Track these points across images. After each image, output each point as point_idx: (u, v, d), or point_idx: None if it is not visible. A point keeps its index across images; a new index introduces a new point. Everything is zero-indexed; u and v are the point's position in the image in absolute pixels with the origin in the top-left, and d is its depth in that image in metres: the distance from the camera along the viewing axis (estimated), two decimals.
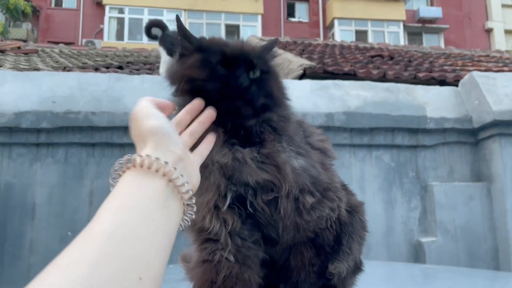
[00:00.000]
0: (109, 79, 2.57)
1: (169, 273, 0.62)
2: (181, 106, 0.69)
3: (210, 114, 0.68)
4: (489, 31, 20.36)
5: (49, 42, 12.98)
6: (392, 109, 2.69)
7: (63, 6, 18.86)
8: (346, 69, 4.33)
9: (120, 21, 17.69)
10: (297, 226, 0.72)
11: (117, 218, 0.47)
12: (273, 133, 0.71)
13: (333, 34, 18.61)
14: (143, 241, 0.47)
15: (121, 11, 17.68)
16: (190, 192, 0.57)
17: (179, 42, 0.75)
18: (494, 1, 20.46)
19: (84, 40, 15.98)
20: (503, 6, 20.48)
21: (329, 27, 19.39)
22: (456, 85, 3.00)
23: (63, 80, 2.51)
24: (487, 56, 7.15)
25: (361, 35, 18.34)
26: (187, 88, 0.70)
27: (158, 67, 4.79)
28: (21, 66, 4.32)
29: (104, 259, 0.42)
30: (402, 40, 18.73)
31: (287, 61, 4.48)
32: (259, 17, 18.46)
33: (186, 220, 0.58)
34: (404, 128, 2.70)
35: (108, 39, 16.91)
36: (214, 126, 0.69)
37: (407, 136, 2.72)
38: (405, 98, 2.78)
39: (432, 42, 18.49)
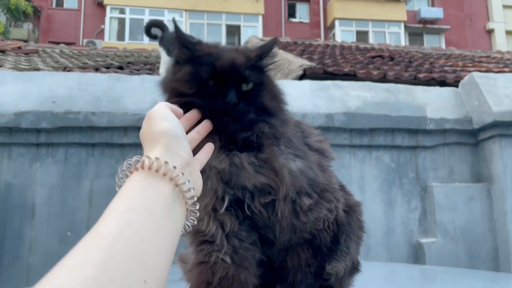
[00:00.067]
0: (109, 79, 2.57)
1: None
2: None
3: (206, 125, 0.69)
4: (490, 32, 20.34)
5: (50, 42, 12.99)
6: (392, 109, 2.69)
7: (64, 6, 18.88)
8: (346, 69, 4.33)
9: (121, 22, 17.70)
10: (293, 228, 0.73)
11: (124, 220, 0.47)
12: (271, 137, 0.71)
13: (334, 35, 18.60)
14: (149, 244, 0.47)
15: (122, 11, 17.69)
16: (195, 198, 0.57)
17: (176, 47, 0.75)
18: (495, 2, 20.44)
19: (85, 41, 15.99)
20: (504, 7, 20.46)
21: (330, 28, 19.39)
22: (457, 86, 2.99)
23: (63, 80, 2.51)
24: (488, 57, 7.15)
25: (362, 35, 18.34)
26: (176, 101, 0.70)
27: (158, 68, 4.79)
28: (22, 66, 4.32)
29: (110, 260, 0.42)
30: (403, 41, 18.73)
31: (287, 62, 4.47)
32: (260, 18, 18.46)
33: (188, 225, 0.59)
34: (404, 129, 2.70)
35: (109, 40, 16.93)
36: (211, 134, 0.70)
37: (407, 137, 2.72)
38: (405, 98, 2.78)
39: (433, 43, 18.47)
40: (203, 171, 0.67)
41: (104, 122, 2.39)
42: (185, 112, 0.68)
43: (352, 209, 0.83)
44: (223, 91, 0.69)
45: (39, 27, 18.20)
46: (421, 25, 20.01)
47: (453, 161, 2.77)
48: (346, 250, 0.77)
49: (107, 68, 4.77)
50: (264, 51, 0.76)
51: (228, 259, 0.71)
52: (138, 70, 4.88)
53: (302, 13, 20.18)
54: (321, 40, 9.56)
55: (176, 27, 0.74)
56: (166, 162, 0.54)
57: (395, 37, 18.95)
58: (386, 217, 2.62)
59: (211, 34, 17.81)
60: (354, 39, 16.18)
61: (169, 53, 3.24)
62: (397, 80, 4.09)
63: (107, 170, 2.43)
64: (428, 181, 2.71)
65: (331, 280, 0.76)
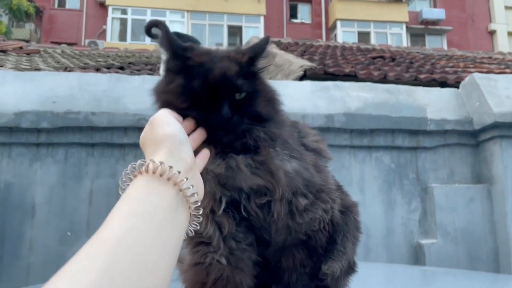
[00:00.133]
0: (110, 80, 2.58)
1: None
2: None
3: (201, 133, 0.69)
4: (492, 33, 20.31)
5: (52, 42, 13.01)
6: (393, 110, 2.69)
7: (66, 6, 18.93)
8: (347, 70, 4.33)
9: (123, 22, 17.74)
10: (288, 229, 0.73)
11: (127, 224, 0.48)
12: (267, 140, 0.71)
13: (335, 36, 18.60)
14: (152, 248, 0.47)
15: (124, 12, 17.73)
16: (198, 203, 0.58)
17: (166, 53, 0.73)
18: (497, 3, 20.42)
19: (87, 41, 16.06)
20: (507, 8, 20.44)
21: (331, 29, 19.39)
22: (457, 87, 2.99)
23: (63, 80, 2.52)
24: (490, 58, 7.14)
25: (363, 36, 18.33)
26: None
27: (159, 68, 4.80)
28: (22, 66, 4.33)
29: (113, 264, 0.42)
30: (405, 42, 18.72)
31: (288, 62, 4.48)
32: (262, 18, 18.48)
33: (190, 230, 0.59)
34: (405, 130, 2.69)
35: (111, 40, 16.97)
36: (207, 141, 0.70)
37: (407, 138, 2.71)
38: (406, 99, 2.78)
39: (435, 44, 18.45)
40: (200, 175, 0.67)
41: (104, 122, 2.39)
42: None
43: (348, 209, 0.83)
44: (216, 104, 0.68)
45: (41, 28, 18.24)
46: (423, 26, 20.00)
47: (453, 162, 2.77)
48: (343, 250, 0.77)
49: (108, 68, 4.78)
50: (257, 52, 0.75)
51: (223, 261, 0.71)
52: (139, 70, 4.89)
53: (304, 13, 20.19)
54: (323, 41, 9.56)
55: (166, 32, 0.72)
56: (170, 167, 0.54)
57: (397, 38, 18.94)
58: (386, 218, 2.61)
59: (213, 35, 17.84)
60: (356, 40, 16.17)
61: None
62: (398, 81, 4.09)
63: (107, 170, 2.43)
64: (428, 182, 2.71)
65: (327, 281, 0.76)
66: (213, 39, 17.47)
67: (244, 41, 15.72)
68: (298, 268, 0.75)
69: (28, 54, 5.90)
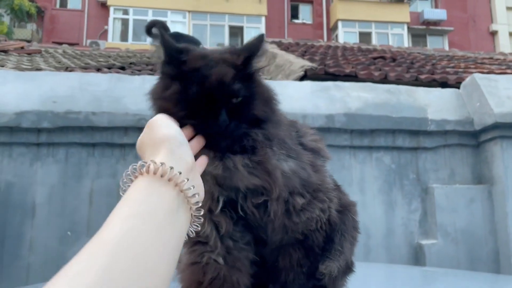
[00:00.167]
0: (110, 80, 2.58)
1: None
2: None
3: (199, 140, 0.69)
4: (493, 33, 20.29)
5: (53, 42, 13.03)
6: (393, 110, 2.68)
7: (68, 7, 18.95)
8: (348, 70, 4.32)
9: (125, 22, 17.76)
10: (285, 228, 0.73)
11: (128, 225, 0.48)
12: (265, 140, 0.71)
13: (336, 36, 18.60)
14: (152, 249, 0.47)
15: (125, 12, 17.76)
16: (199, 204, 0.58)
17: (162, 57, 0.72)
18: (498, 4, 20.39)
19: (88, 41, 16.08)
20: (508, 8, 20.41)
21: (332, 29, 19.38)
22: (458, 87, 2.98)
23: (64, 80, 2.52)
24: (491, 58, 7.13)
25: (365, 37, 18.32)
26: None
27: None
28: (23, 66, 4.34)
29: (113, 264, 0.43)
30: (406, 42, 18.70)
31: (289, 63, 4.48)
32: (263, 19, 18.48)
33: (191, 231, 0.59)
34: (405, 130, 2.69)
35: (113, 40, 17.00)
36: (205, 147, 0.70)
37: (408, 138, 2.71)
38: (406, 100, 2.77)
39: (436, 44, 18.43)
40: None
41: (104, 122, 2.39)
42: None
43: (346, 208, 0.83)
44: (214, 111, 0.68)
45: (42, 28, 18.28)
46: (424, 27, 19.98)
47: (454, 162, 2.76)
48: (340, 250, 0.77)
49: (109, 68, 4.78)
50: (252, 51, 0.74)
51: (220, 260, 0.71)
52: (140, 70, 4.89)
53: (305, 14, 20.19)
54: (323, 41, 9.55)
55: (162, 36, 0.70)
56: (171, 168, 0.54)
57: (398, 39, 18.93)
58: (386, 219, 2.61)
59: (214, 35, 17.85)
60: (357, 41, 16.17)
61: None
62: (399, 81, 4.08)
63: (108, 170, 2.43)
64: (428, 183, 2.70)
65: (325, 280, 0.76)
66: (214, 40, 17.47)
67: (245, 41, 15.71)
68: (295, 267, 0.75)
69: (29, 54, 5.91)
